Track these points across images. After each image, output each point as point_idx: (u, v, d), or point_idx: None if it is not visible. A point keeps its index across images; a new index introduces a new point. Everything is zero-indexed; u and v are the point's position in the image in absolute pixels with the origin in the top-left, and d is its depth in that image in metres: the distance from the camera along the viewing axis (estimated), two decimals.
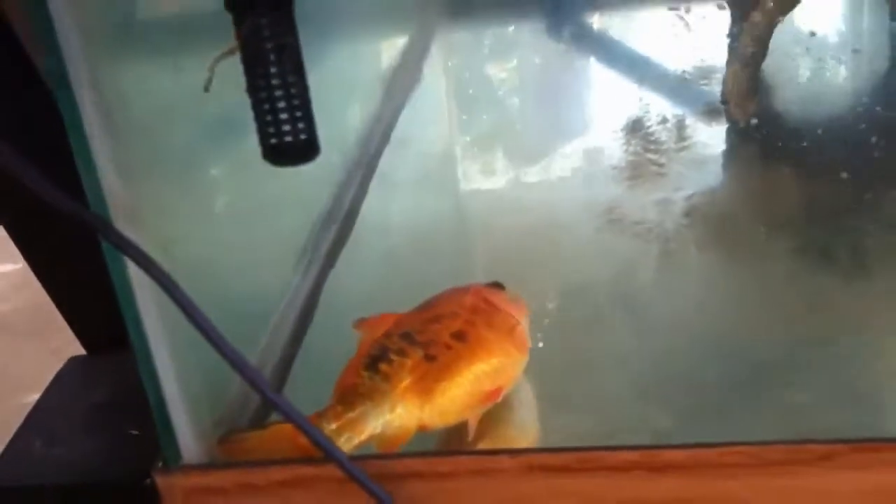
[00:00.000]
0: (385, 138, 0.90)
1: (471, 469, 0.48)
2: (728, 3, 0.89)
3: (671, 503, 0.47)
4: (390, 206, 0.81)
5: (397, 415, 0.49)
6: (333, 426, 0.48)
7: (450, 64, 1.11)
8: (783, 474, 0.46)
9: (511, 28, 1.15)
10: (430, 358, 0.51)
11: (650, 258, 0.66)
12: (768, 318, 0.58)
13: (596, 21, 1.14)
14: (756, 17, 0.81)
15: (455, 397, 0.50)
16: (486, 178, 0.85)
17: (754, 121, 0.82)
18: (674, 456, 0.46)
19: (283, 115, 0.46)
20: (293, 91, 0.46)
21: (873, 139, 0.78)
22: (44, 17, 0.42)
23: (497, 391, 0.52)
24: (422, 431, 0.50)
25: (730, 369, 0.54)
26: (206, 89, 0.46)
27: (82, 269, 0.69)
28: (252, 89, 0.45)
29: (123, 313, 0.49)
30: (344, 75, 0.89)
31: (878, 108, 0.83)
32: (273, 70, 0.45)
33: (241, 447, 0.50)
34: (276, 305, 0.64)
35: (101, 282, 0.52)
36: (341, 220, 0.77)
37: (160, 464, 0.51)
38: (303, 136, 0.47)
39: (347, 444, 0.48)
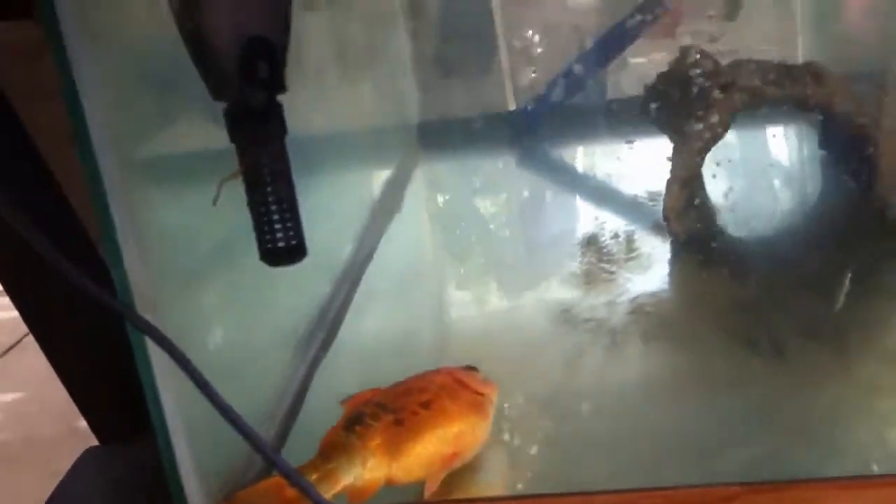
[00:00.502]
0: (368, 257, 1.01)
1: None
2: (667, 133, 1.02)
3: None
4: (371, 313, 0.91)
5: (368, 469, 0.57)
6: (314, 476, 0.56)
7: (429, 192, 1.25)
8: None
9: (485, 160, 1.28)
10: (398, 422, 0.60)
11: (596, 348, 0.76)
12: (692, 395, 0.68)
13: (562, 153, 1.29)
14: (690, 145, 0.94)
15: (418, 456, 0.59)
16: (457, 289, 0.96)
17: (693, 234, 0.94)
18: (606, 499, 0.55)
19: (277, 226, 0.56)
20: (285, 206, 0.57)
21: (799, 253, 0.91)
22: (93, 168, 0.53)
23: (456, 455, 0.61)
24: (389, 485, 0.58)
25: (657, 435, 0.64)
26: (214, 203, 0.56)
27: (98, 366, 0.79)
28: (252, 205, 0.56)
29: (146, 392, 0.59)
30: (334, 202, 1.01)
31: (802, 227, 0.96)
32: (269, 190, 0.56)
33: (241, 501, 0.58)
34: (274, 389, 0.74)
35: (114, 377, 0.61)
36: (327, 327, 0.87)
37: None
38: (293, 242, 0.57)
39: (325, 492, 0.56)
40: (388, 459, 0.58)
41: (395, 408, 0.61)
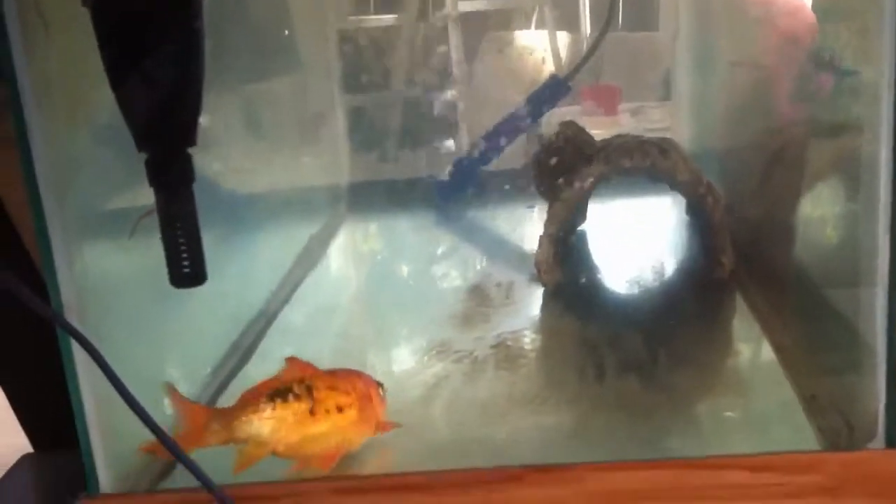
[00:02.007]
0: (287, 298, 1.17)
1: (291, 492, 0.72)
2: (544, 196, 1.19)
3: None
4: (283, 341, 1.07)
5: (266, 438, 0.71)
6: (221, 421, 0.71)
7: (351, 245, 1.41)
8: (495, 489, 0.70)
9: (404, 219, 1.45)
10: (312, 413, 0.73)
11: (459, 372, 0.92)
12: (518, 409, 0.84)
13: (473, 215, 1.46)
14: (559, 205, 1.10)
15: (309, 449, 0.73)
16: (359, 326, 1.12)
17: (559, 284, 1.10)
18: (423, 478, 0.71)
19: (184, 255, 0.71)
20: (190, 240, 0.71)
21: (645, 303, 1.08)
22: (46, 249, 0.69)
23: (333, 458, 0.74)
24: (272, 456, 0.72)
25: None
26: (130, 237, 0.72)
27: (37, 375, 0.92)
28: (164, 238, 0.70)
29: (69, 387, 0.73)
30: (261, 252, 1.17)
31: (656, 281, 1.13)
32: (177, 226, 0.70)
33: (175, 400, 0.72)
34: None
35: (52, 387, 0.74)
36: (242, 352, 1.03)
37: (84, 493, 0.74)
38: (196, 269, 0.72)
39: (218, 438, 0.70)
40: (286, 438, 0.72)
41: (317, 398, 0.73)
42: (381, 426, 0.78)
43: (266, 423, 0.72)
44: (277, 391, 0.73)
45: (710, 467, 0.68)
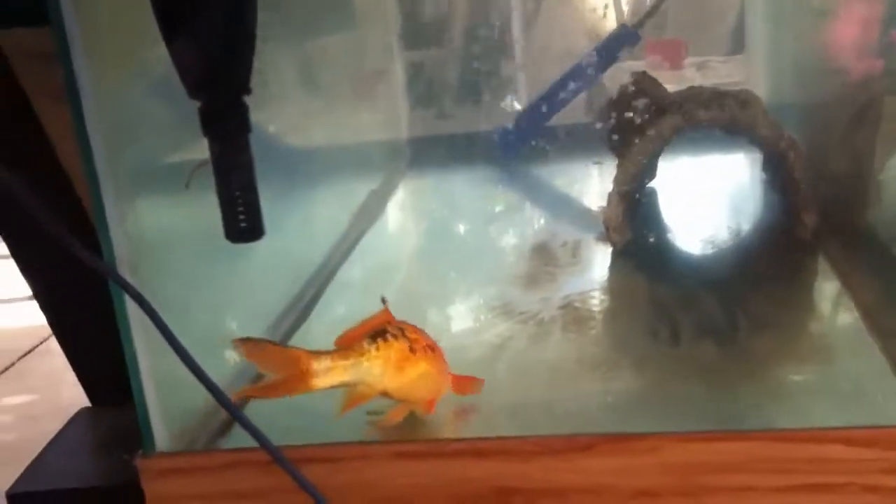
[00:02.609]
0: (346, 254, 1.14)
1: (352, 455, 0.69)
2: (613, 151, 1.13)
3: (490, 479, 0.67)
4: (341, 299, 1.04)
5: (374, 378, 0.69)
6: (325, 364, 0.67)
7: (409, 201, 1.37)
8: (562, 459, 0.66)
9: (465, 175, 1.41)
10: (412, 350, 0.71)
11: (523, 334, 0.88)
12: (587, 373, 0.80)
13: (537, 171, 1.41)
14: (629, 161, 1.05)
15: (415, 387, 0.71)
16: (418, 283, 1.08)
17: (629, 243, 1.05)
18: (488, 445, 0.67)
19: (240, 209, 0.68)
20: (246, 192, 0.68)
21: (721, 263, 1.03)
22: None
23: (433, 403, 0.72)
24: (382, 396, 0.70)
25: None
26: (186, 187, 0.69)
27: (93, 332, 0.91)
28: (219, 191, 0.68)
29: (123, 345, 0.71)
30: (320, 208, 1.15)
31: (732, 240, 1.07)
32: (233, 178, 0.67)
33: (256, 351, 0.69)
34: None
35: (108, 343, 0.73)
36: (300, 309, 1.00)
37: (140, 452, 0.72)
38: (252, 223, 0.69)
39: (326, 382, 0.67)
40: (393, 377, 0.69)
41: (412, 338, 0.72)
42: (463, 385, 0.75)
43: (374, 363, 0.69)
44: (376, 332, 0.71)
45: (800, 440, 0.63)
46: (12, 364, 2.95)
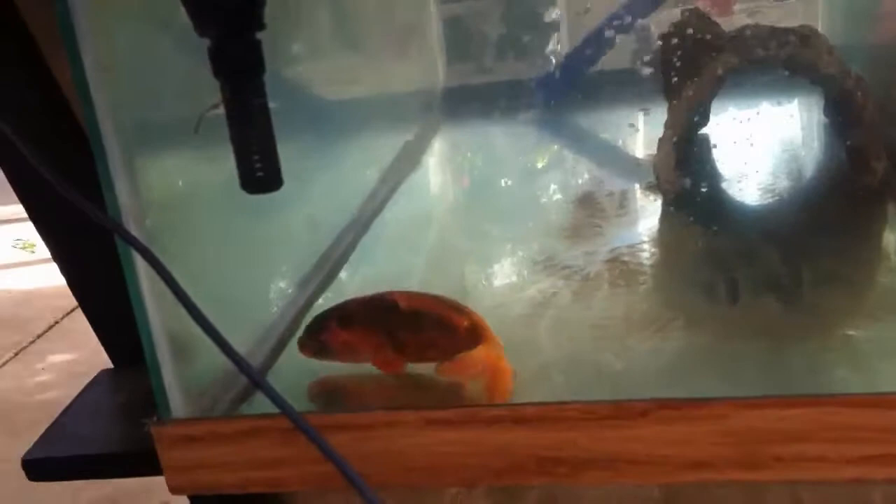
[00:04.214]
0: (380, 207, 1.08)
1: (379, 422, 0.63)
2: (666, 95, 1.05)
3: (530, 448, 0.61)
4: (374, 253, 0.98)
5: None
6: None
7: (445, 154, 1.31)
8: (610, 426, 0.60)
9: (504, 125, 1.34)
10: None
11: (568, 290, 0.82)
12: (636, 332, 0.73)
13: (579, 120, 1.33)
14: (681, 105, 0.98)
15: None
16: (456, 237, 1.03)
17: (681, 192, 0.98)
18: (528, 411, 0.61)
19: (255, 156, 0.63)
20: (262, 138, 0.63)
21: (781, 214, 0.95)
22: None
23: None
24: None
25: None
26: (196, 131, 0.63)
27: (113, 292, 0.87)
28: (232, 136, 0.62)
29: (132, 302, 0.66)
30: (355, 160, 1.09)
31: (792, 189, 0.99)
32: (247, 122, 0.62)
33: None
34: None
35: (127, 304, 0.68)
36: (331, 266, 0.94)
37: (155, 419, 0.68)
38: (269, 172, 0.63)
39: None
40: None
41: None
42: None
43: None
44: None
45: (874, 405, 0.57)
46: (56, 322, 2.97)
